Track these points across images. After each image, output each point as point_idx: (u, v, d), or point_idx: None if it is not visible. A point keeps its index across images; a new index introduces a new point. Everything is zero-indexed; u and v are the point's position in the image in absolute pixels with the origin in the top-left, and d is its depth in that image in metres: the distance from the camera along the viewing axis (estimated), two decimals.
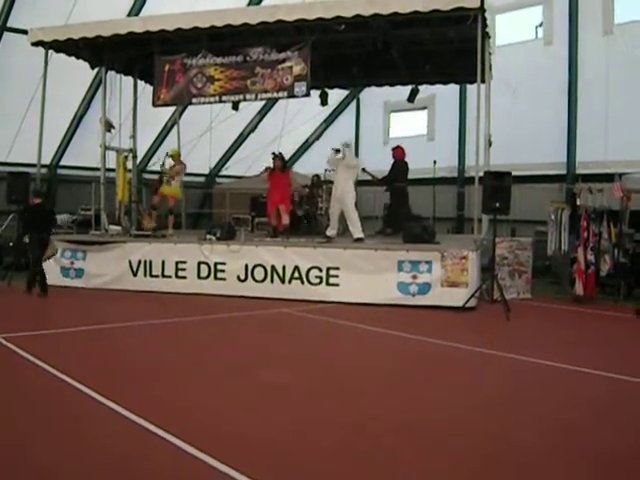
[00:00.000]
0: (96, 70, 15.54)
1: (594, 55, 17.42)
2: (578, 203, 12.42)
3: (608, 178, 14.19)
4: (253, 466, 4.08)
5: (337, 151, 12.69)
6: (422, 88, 16.00)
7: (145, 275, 12.49)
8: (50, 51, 13.79)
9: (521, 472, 4.17)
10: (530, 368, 6.98)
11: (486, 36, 12.00)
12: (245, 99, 13.54)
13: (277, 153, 13.86)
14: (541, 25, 19.11)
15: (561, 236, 12.72)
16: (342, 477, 4.06)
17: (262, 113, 21.97)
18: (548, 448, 4.56)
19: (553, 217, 12.93)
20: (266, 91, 12.98)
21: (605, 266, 11.89)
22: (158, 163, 14.40)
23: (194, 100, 13.62)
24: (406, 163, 14.80)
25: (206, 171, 23.21)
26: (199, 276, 12.17)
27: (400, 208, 14.58)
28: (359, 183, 15.39)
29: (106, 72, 14.85)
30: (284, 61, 12.75)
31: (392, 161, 14.93)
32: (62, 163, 20.27)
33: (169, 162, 14.21)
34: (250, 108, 18.65)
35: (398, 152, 14.82)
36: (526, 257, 12.52)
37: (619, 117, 16.54)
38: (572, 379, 6.61)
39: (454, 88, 18.42)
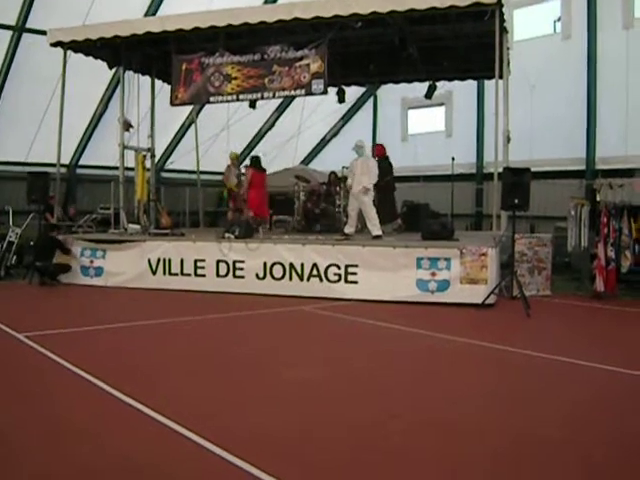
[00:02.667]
0: (114, 70, 15.65)
1: (614, 49, 17.27)
2: (598, 199, 12.32)
3: (628, 173, 14.09)
4: (274, 464, 4.08)
5: (359, 148, 12.75)
6: (440, 84, 15.99)
7: (164, 273, 12.54)
8: (68, 51, 13.89)
9: (535, 466, 4.15)
10: (551, 365, 6.93)
11: (504, 31, 11.93)
12: (262, 97, 13.55)
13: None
14: (559, 19, 18.97)
15: (581, 232, 12.61)
16: (361, 475, 4.05)
17: (279, 111, 22.00)
18: (567, 445, 4.54)
19: (573, 213, 12.83)
20: (283, 89, 13.00)
21: (626, 262, 11.77)
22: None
23: (212, 99, 13.68)
24: (387, 158, 14.72)
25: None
26: (218, 274, 12.19)
27: (386, 202, 14.54)
28: None
29: (124, 72, 14.95)
30: (301, 59, 12.76)
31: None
32: (81, 162, 20.44)
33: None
34: (267, 106, 18.69)
35: (378, 149, 14.85)
36: (546, 253, 12.42)
37: (639, 111, 16.39)
38: (594, 376, 6.56)
39: (472, 84, 18.37)
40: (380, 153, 14.76)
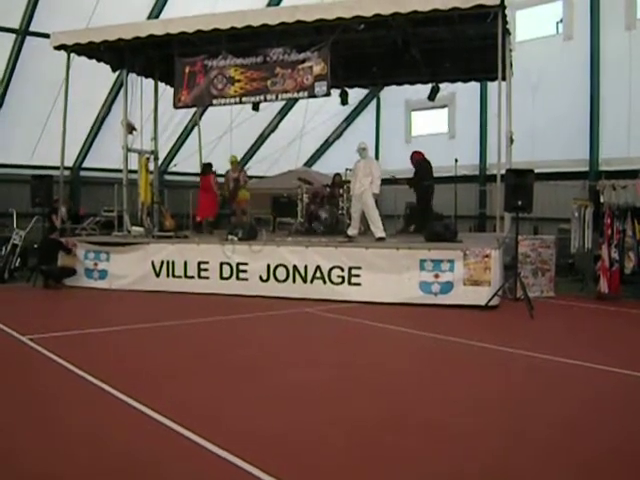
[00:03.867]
0: (117, 73, 15.67)
1: (616, 50, 17.28)
2: (601, 200, 12.30)
3: (632, 174, 14.05)
4: (276, 465, 4.09)
5: (362, 150, 12.77)
6: (442, 86, 15.94)
7: (168, 276, 12.55)
8: (72, 54, 13.91)
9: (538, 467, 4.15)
10: (554, 367, 6.92)
11: (507, 33, 11.93)
12: (265, 100, 13.54)
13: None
14: (561, 20, 18.98)
15: (584, 233, 12.62)
16: (362, 476, 4.06)
17: (282, 113, 22.02)
18: (564, 447, 4.54)
19: (576, 214, 12.83)
20: (286, 91, 13.00)
21: (629, 263, 11.75)
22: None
23: (215, 101, 13.65)
24: (429, 162, 14.89)
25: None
26: (221, 276, 12.20)
27: (426, 206, 14.71)
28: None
29: (127, 74, 14.96)
30: (304, 61, 12.75)
31: (414, 163, 15.06)
32: (85, 165, 20.51)
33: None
34: (270, 108, 18.70)
35: (418, 154, 15.00)
36: (549, 255, 12.42)
37: None
38: (597, 378, 6.55)
39: (474, 86, 18.35)
40: (419, 157, 15.00)
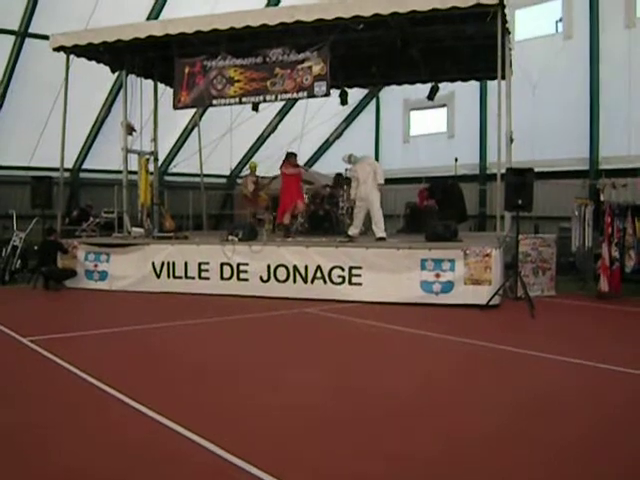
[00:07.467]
0: (117, 74, 15.67)
1: (616, 48, 17.28)
2: (602, 199, 12.31)
3: (632, 173, 14.07)
4: (275, 465, 4.10)
5: (350, 158, 12.81)
6: (441, 85, 15.94)
7: (168, 276, 12.56)
8: (71, 56, 13.91)
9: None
10: (555, 366, 6.92)
11: (506, 32, 11.92)
12: (265, 100, 13.54)
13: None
14: (561, 19, 18.98)
15: (585, 232, 12.62)
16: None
17: (282, 114, 22.00)
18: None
19: (577, 213, 12.84)
20: (286, 92, 13.00)
21: (630, 262, 11.75)
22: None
23: (214, 102, 13.65)
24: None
25: (227, 172, 23.31)
26: (222, 277, 12.21)
27: (454, 202, 14.87)
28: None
29: (126, 76, 14.98)
30: (303, 61, 12.75)
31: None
32: (84, 167, 20.48)
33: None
34: (270, 109, 18.68)
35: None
36: (550, 254, 12.41)
37: None
38: (598, 376, 6.55)
39: (473, 85, 18.35)
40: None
